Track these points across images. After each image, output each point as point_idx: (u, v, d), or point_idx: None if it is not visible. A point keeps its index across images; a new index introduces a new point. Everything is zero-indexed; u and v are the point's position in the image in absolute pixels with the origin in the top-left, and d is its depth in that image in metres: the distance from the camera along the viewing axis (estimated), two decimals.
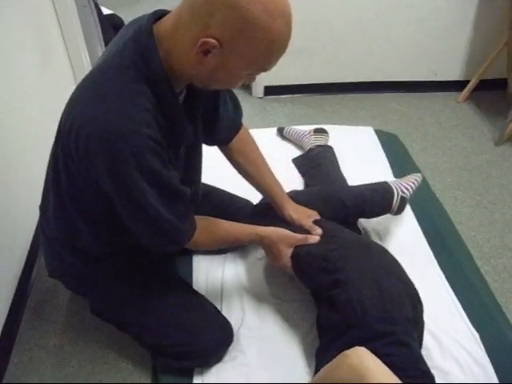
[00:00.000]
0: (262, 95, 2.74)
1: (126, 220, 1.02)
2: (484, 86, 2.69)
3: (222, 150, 1.35)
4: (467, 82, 2.72)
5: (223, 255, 1.50)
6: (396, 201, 1.42)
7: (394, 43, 2.63)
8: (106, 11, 3.21)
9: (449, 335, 1.26)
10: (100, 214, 1.08)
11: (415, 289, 1.15)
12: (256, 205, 1.49)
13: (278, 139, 2.02)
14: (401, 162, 1.95)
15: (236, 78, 0.93)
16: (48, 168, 1.12)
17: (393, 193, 1.43)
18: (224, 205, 1.48)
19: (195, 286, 1.39)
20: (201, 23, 0.82)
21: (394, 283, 1.11)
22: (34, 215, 1.22)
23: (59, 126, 0.99)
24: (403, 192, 1.45)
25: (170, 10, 0.92)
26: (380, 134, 2.08)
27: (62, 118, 0.98)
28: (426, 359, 1.06)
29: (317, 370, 1.10)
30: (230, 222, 1.21)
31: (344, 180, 1.71)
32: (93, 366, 1.38)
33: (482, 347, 1.24)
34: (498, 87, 2.74)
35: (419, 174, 1.56)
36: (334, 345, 1.04)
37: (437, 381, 1.08)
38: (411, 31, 2.59)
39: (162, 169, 0.94)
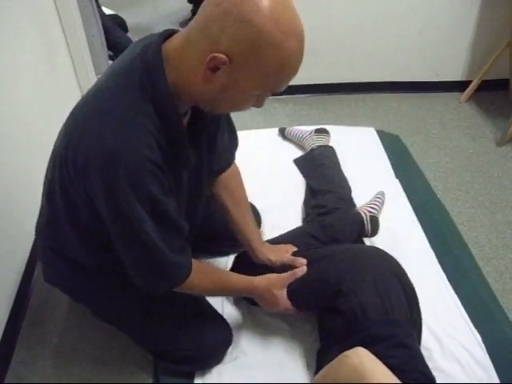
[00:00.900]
0: None
1: (117, 245, 0.97)
2: (486, 86, 2.69)
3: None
4: (469, 82, 2.72)
5: (225, 257, 1.50)
6: (367, 221, 1.47)
7: (396, 43, 2.63)
8: (108, 12, 3.22)
9: (450, 336, 1.26)
10: (94, 230, 1.04)
11: (413, 287, 1.15)
12: (235, 258, 1.42)
13: (280, 139, 2.02)
14: (402, 162, 1.94)
15: (244, 99, 0.89)
16: (45, 177, 1.09)
17: (361, 215, 1.49)
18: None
19: None
20: (211, 38, 0.78)
21: (392, 284, 1.11)
22: (36, 218, 1.21)
23: (58, 139, 0.97)
24: (371, 212, 1.51)
25: (179, 30, 0.89)
26: (382, 134, 2.08)
27: (62, 130, 0.96)
28: (427, 360, 1.06)
29: (317, 371, 1.10)
30: (225, 270, 1.20)
31: (345, 180, 1.71)
32: (94, 365, 1.38)
33: (484, 348, 1.23)
34: (500, 88, 2.73)
35: (381, 191, 1.62)
36: (336, 346, 1.04)
37: (438, 381, 1.08)
38: (413, 32, 2.59)
39: (161, 195, 0.90)
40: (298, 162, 1.88)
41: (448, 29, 2.58)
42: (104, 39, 2.89)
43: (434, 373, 1.05)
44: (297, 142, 1.97)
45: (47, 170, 1.08)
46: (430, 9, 2.50)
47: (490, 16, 2.52)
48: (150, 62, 0.85)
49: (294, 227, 1.50)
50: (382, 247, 1.30)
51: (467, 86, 2.72)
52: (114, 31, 3.02)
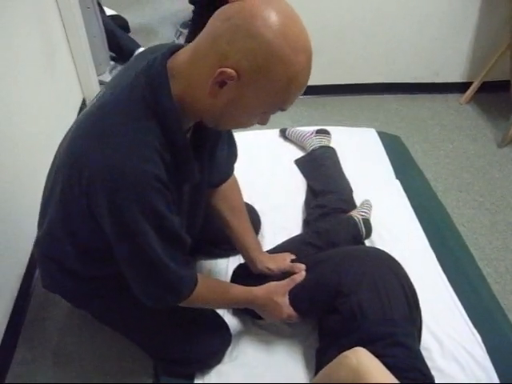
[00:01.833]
0: None
1: (122, 263, 0.96)
2: (487, 87, 2.69)
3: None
4: (470, 83, 2.72)
5: (226, 259, 1.50)
6: (360, 223, 1.48)
7: (396, 45, 2.63)
8: (109, 12, 3.22)
9: (450, 336, 1.26)
10: (93, 248, 1.03)
11: (413, 287, 1.15)
12: (235, 270, 1.42)
13: (281, 140, 2.02)
14: (403, 163, 1.94)
15: (250, 115, 0.88)
16: (44, 193, 1.08)
17: (354, 218, 1.50)
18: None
19: None
20: (220, 53, 0.77)
21: (392, 284, 1.12)
22: (37, 218, 1.22)
23: (60, 154, 0.95)
24: (362, 215, 1.52)
25: (186, 44, 0.89)
26: (382, 135, 2.08)
27: (65, 143, 0.95)
28: (426, 360, 1.06)
29: (317, 370, 1.10)
30: (227, 282, 1.22)
31: (346, 181, 1.71)
32: (94, 365, 1.39)
33: (484, 349, 1.23)
34: (501, 89, 2.74)
35: (367, 199, 1.63)
36: (335, 346, 1.04)
37: (438, 382, 1.08)
38: (414, 33, 2.59)
39: (166, 211, 0.89)
40: (299, 162, 1.88)
41: (449, 30, 2.58)
42: (105, 40, 2.90)
43: (434, 373, 1.05)
44: (298, 142, 1.97)
45: (46, 186, 1.06)
46: (431, 10, 2.50)
47: (490, 17, 2.53)
48: (156, 78, 0.84)
49: (293, 233, 1.50)
50: (382, 247, 1.31)
51: (468, 88, 2.72)
52: (115, 32, 3.03)
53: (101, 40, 2.82)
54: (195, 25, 3.04)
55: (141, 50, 3.01)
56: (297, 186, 1.76)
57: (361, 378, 0.80)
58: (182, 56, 0.86)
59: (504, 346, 1.26)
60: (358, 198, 1.64)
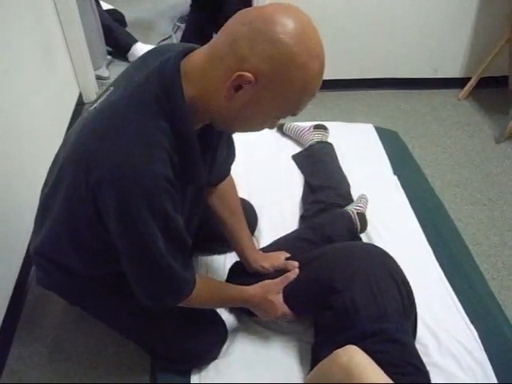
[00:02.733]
0: None
1: (125, 262, 0.96)
2: (485, 83, 2.69)
3: None
4: (468, 79, 2.72)
5: (223, 255, 1.50)
6: (355, 217, 1.49)
7: (394, 40, 2.63)
8: (106, 6, 3.20)
9: (447, 332, 1.26)
10: (94, 249, 1.03)
11: (407, 282, 1.15)
12: (231, 267, 1.42)
13: (278, 135, 2.02)
14: (401, 159, 1.94)
15: (263, 120, 0.89)
16: (45, 184, 1.07)
17: (348, 212, 1.50)
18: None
19: None
20: (239, 56, 0.78)
21: (385, 279, 1.11)
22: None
23: (67, 149, 0.94)
24: (357, 209, 1.52)
25: (199, 46, 0.89)
26: (380, 130, 2.07)
27: (71, 139, 0.93)
28: (423, 355, 1.07)
29: (313, 366, 1.10)
30: (223, 281, 1.24)
31: (344, 176, 1.71)
32: (91, 362, 1.38)
33: (481, 344, 1.23)
34: (499, 85, 2.74)
35: (363, 194, 1.62)
36: (329, 342, 1.04)
37: (435, 377, 1.08)
38: (412, 28, 2.59)
39: (173, 212, 0.89)
40: (296, 158, 1.88)
41: (447, 25, 2.58)
42: (102, 34, 2.88)
43: (430, 368, 1.05)
44: (295, 138, 1.97)
45: (46, 182, 1.06)
46: (429, 5, 2.50)
47: (488, 12, 2.52)
48: (168, 78, 0.84)
49: (290, 229, 1.50)
50: (378, 243, 1.30)
51: (466, 83, 2.72)
52: (112, 26, 3.01)
53: (97, 34, 2.81)
54: (192, 19, 3.03)
55: (138, 44, 3.00)
56: (294, 182, 1.75)
57: (352, 376, 0.80)
58: (196, 57, 0.86)
59: (501, 341, 1.26)
60: (356, 194, 1.64)
